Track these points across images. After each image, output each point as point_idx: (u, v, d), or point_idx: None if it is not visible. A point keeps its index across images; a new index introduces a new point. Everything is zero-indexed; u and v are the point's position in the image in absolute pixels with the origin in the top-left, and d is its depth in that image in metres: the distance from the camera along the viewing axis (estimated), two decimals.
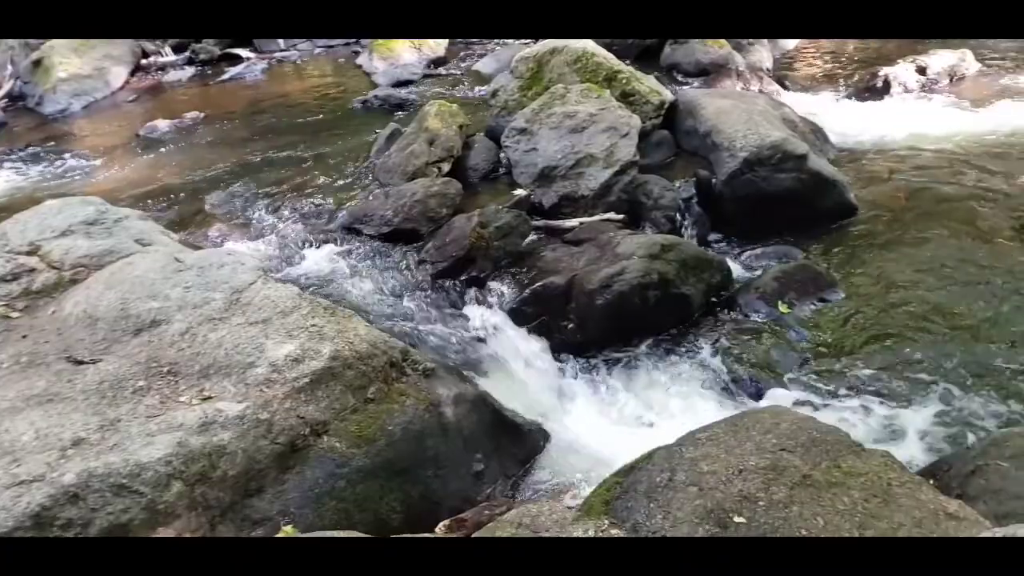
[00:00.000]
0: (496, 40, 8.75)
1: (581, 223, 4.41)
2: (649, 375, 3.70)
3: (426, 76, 7.84)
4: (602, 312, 3.77)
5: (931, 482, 2.51)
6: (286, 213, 4.73)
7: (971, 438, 3.04)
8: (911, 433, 3.16)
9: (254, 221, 4.70)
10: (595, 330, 3.81)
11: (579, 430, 3.42)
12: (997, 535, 1.55)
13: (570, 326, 3.83)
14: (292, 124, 6.70)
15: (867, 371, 3.51)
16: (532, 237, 4.35)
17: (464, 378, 3.16)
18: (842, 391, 3.42)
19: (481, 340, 3.72)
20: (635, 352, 3.81)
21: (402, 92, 7.15)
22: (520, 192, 4.68)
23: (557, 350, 3.82)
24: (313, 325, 2.79)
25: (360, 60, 8.54)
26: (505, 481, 3.03)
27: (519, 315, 3.87)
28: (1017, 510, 2.26)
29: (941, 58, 6.49)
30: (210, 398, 2.53)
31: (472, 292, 3.96)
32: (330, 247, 4.30)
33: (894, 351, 3.61)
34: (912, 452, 3.05)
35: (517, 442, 3.14)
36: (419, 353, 2.99)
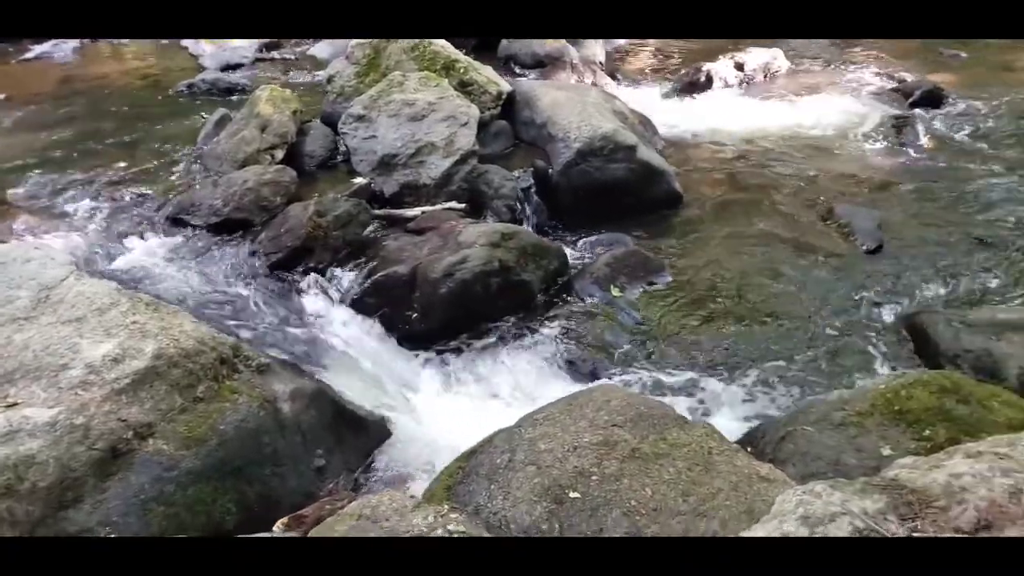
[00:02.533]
0: None
1: (423, 212, 4.39)
2: (493, 361, 3.75)
3: (258, 60, 7.49)
4: (446, 301, 3.78)
5: (748, 449, 2.72)
6: (105, 204, 4.38)
7: (783, 406, 3.31)
8: (732, 405, 3.41)
9: (68, 213, 4.32)
10: (439, 319, 3.82)
11: (425, 419, 3.42)
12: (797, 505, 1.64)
13: (414, 315, 3.81)
14: (109, 108, 6.20)
15: (692, 348, 3.75)
16: (373, 226, 4.28)
17: (302, 373, 3.07)
18: (669, 367, 3.63)
19: (321, 333, 3.63)
20: (479, 339, 3.85)
21: (232, 76, 6.80)
22: (360, 180, 4.59)
23: (401, 340, 3.79)
24: (134, 322, 2.61)
25: (186, 41, 8.03)
26: (348, 475, 2.98)
27: (361, 306, 3.81)
28: (820, 469, 2.50)
29: (756, 56, 6.99)
30: (15, 405, 2.31)
31: (310, 283, 3.85)
32: (154, 239, 4.03)
33: (716, 329, 3.88)
34: (732, 422, 3.28)
35: (360, 435, 3.09)
36: (252, 349, 2.87)
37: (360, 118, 4.82)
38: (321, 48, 7.65)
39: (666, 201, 4.98)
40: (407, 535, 1.88)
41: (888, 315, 3.90)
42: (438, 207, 4.42)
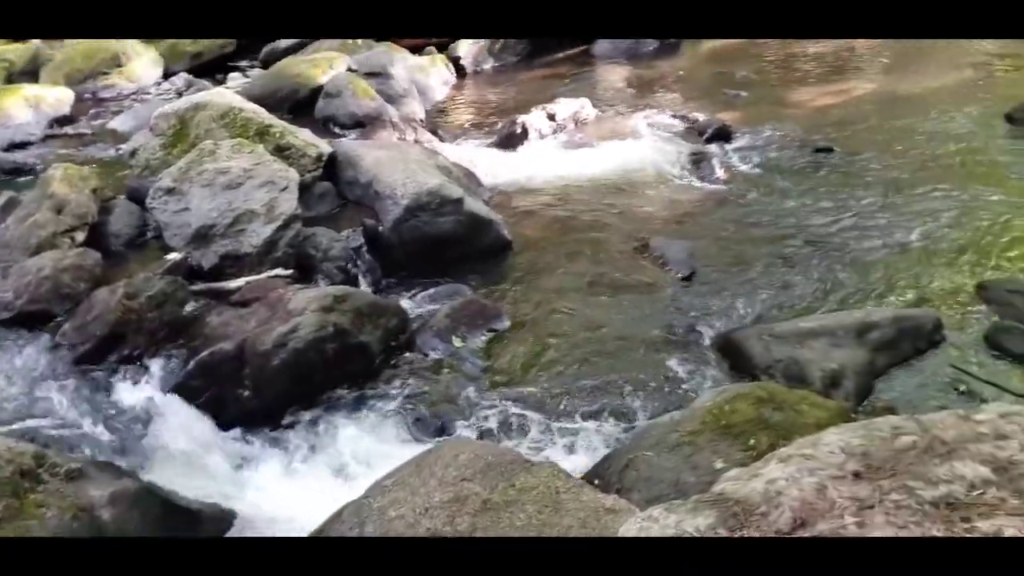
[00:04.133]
0: (132, 96, 8.12)
1: (247, 282, 4.23)
2: (336, 430, 3.63)
3: (48, 137, 6.98)
4: (279, 373, 3.64)
5: (595, 481, 2.80)
6: None
7: (624, 434, 3.44)
8: (578, 440, 3.50)
9: None
10: (274, 393, 3.66)
11: (267, 502, 3.23)
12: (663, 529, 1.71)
13: (246, 393, 3.63)
14: None
15: (535, 389, 3.82)
16: (193, 303, 4.07)
17: (123, 473, 2.83)
18: (516, 412, 3.67)
19: (142, 425, 3.37)
20: (319, 409, 3.72)
21: (17, 156, 6.29)
22: (174, 256, 4.37)
23: (235, 421, 3.59)
24: None
25: None
26: None
27: (187, 390, 3.58)
28: (662, 492, 2.60)
29: (566, 106, 7.38)
30: None
31: (125, 373, 3.58)
32: None
33: (556, 367, 3.99)
34: (580, 457, 3.37)
35: (195, 530, 2.88)
36: (59, 455, 2.61)
37: (170, 191, 4.61)
38: (123, 120, 7.25)
39: (497, 249, 5.10)
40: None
41: (707, 336, 4.18)
42: (263, 276, 4.28)
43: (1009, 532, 1.56)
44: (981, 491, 1.69)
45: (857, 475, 1.74)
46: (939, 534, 1.58)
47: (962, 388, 3.68)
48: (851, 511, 1.62)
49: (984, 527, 1.60)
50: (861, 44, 10.17)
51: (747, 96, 8.10)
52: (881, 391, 3.72)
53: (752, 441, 2.71)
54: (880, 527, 1.59)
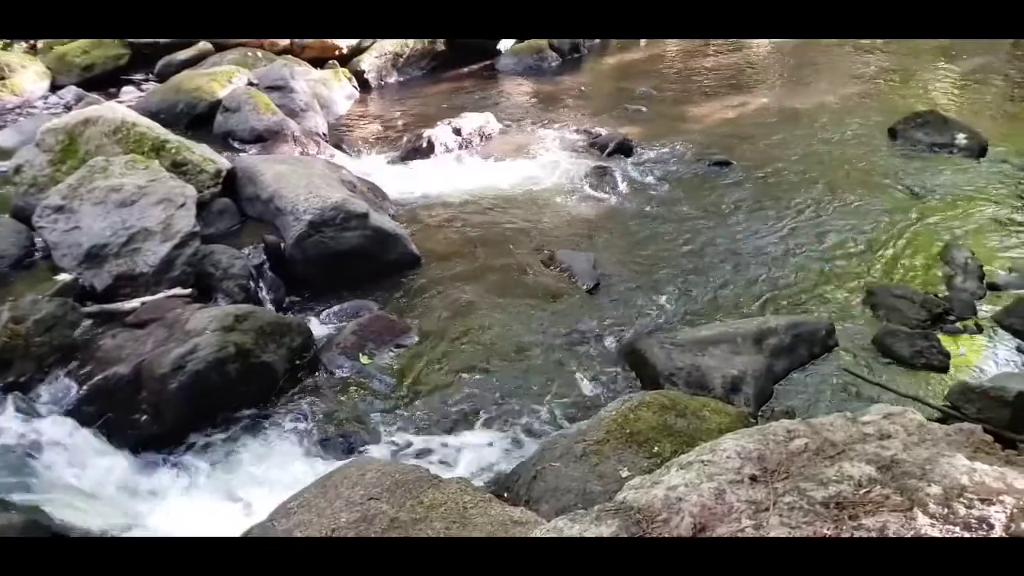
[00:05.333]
0: (16, 110, 7.67)
1: (143, 303, 4.05)
2: (239, 453, 3.52)
3: None
4: (178, 396, 3.50)
5: (505, 494, 2.82)
6: None
7: (533, 446, 3.47)
8: (487, 453, 3.51)
9: None
10: (173, 416, 3.52)
11: (170, 528, 3.10)
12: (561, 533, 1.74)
13: (143, 417, 3.48)
14: None
15: (444, 404, 3.82)
16: (85, 326, 3.87)
17: (8, 505, 2.65)
18: (425, 428, 3.66)
19: (30, 455, 3.17)
20: (222, 432, 3.61)
21: None
22: (65, 277, 4.15)
23: (132, 446, 3.43)
24: None
25: None
26: None
27: (79, 416, 3.42)
28: (570, 502, 2.64)
29: (471, 120, 7.42)
30: None
31: (12, 401, 3.36)
32: None
33: (464, 381, 3.99)
34: (490, 471, 3.38)
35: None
36: None
37: (59, 209, 4.38)
38: (5, 136, 6.81)
39: (405, 263, 5.07)
40: None
41: (612, 345, 4.28)
42: (160, 296, 4.11)
43: (893, 528, 1.66)
44: (867, 489, 1.79)
45: (753, 479, 1.81)
46: (829, 533, 1.66)
47: (853, 390, 3.90)
48: (748, 514, 1.69)
49: (870, 524, 1.69)
50: (757, 59, 10.68)
51: (647, 111, 8.36)
52: (780, 396, 3.90)
53: (656, 448, 2.78)
54: (775, 528, 1.67)
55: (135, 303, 4.06)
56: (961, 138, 6.94)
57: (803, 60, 10.72)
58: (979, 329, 4.39)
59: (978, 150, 6.83)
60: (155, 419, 3.48)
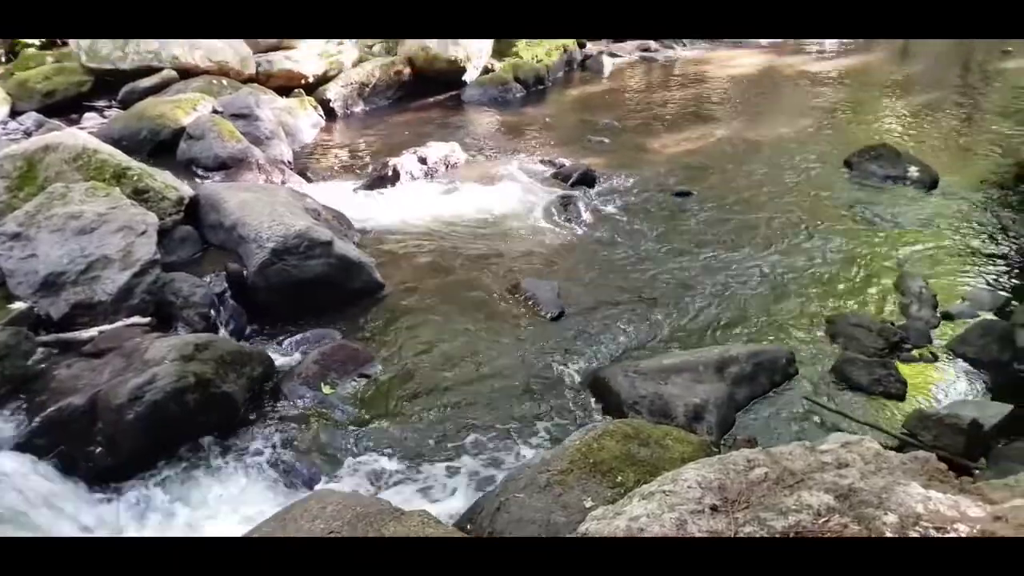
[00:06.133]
0: None
1: (101, 332, 3.99)
2: (198, 485, 3.45)
3: None
4: (136, 427, 3.42)
5: (468, 527, 2.79)
6: None
7: (496, 477, 3.45)
8: (450, 484, 3.48)
9: None
10: (130, 448, 3.44)
11: None
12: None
13: (99, 450, 3.40)
14: None
15: (408, 434, 3.79)
16: (40, 355, 3.79)
17: None
18: (388, 458, 3.62)
19: None
20: (180, 464, 3.53)
21: None
22: (20, 305, 4.08)
23: (88, 480, 3.35)
24: None
25: None
26: None
27: (31, 449, 3.33)
28: (534, 534, 2.62)
29: (437, 149, 7.46)
30: None
31: None
32: None
33: (428, 411, 3.97)
34: (453, 502, 3.35)
35: None
36: None
37: (15, 236, 4.31)
38: None
39: (369, 291, 5.05)
40: None
41: (576, 374, 4.29)
42: (118, 325, 4.05)
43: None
44: (826, 519, 1.82)
45: (714, 509, 1.83)
46: None
47: (814, 418, 3.95)
48: None
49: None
50: (717, 91, 10.92)
51: (610, 142, 8.48)
52: (742, 424, 3.94)
53: (620, 478, 2.78)
54: None
55: (92, 332, 3.99)
56: (913, 171, 7.15)
57: (761, 92, 11.00)
58: (934, 357, 4.49)
59: (930, 182, 7.04)
60: (110, 451, 3.40)
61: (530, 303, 4.98)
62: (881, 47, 14.35)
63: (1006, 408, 3.76)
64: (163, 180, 5.16)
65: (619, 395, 3.92)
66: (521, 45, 11.41)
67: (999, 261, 5.68)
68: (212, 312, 4.45)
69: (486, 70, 10.77)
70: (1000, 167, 7.87)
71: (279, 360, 4.29)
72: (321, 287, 4.83)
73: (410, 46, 10.15)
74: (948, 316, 4.91)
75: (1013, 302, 4.97)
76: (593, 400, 4.07)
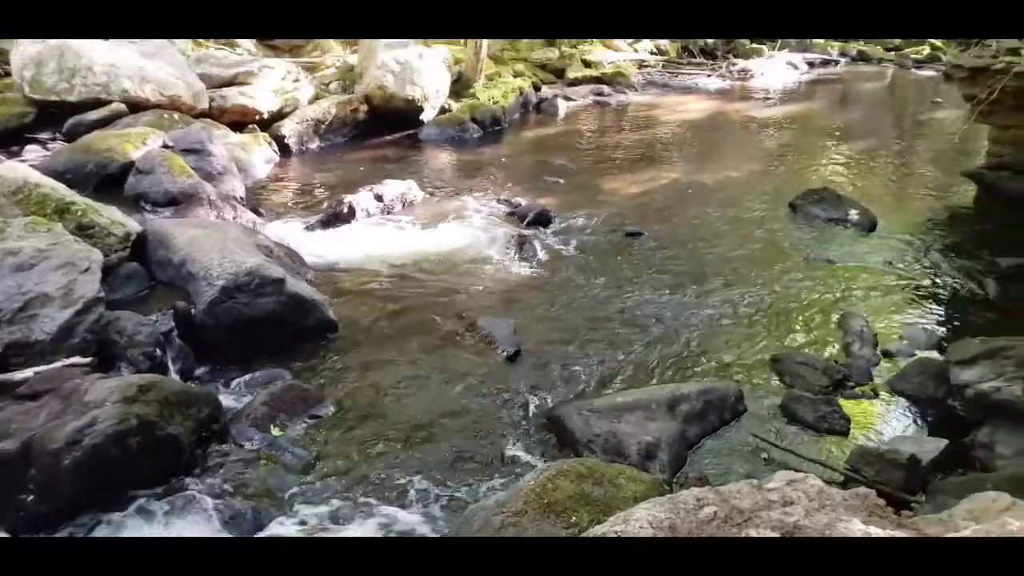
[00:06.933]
0: None
1: (37, 373, 3.83)
2: (141, 531, 3.32)
3: None
4: (73, 473, 3.29)
5: None
6: None
7: (451, 520, 3.41)
8: (404, 529, 3.41)
9: None
10: (66, 496, 3.30)
11: None
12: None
13: (31, 497, 3.25)
14: None
15: (358, 476, 3.72)
16: None
17: None
18: (337, 501, 3.54)
19: None
20: (121, 511, 3.39)
21: None
22: None
23: (15, 529, 3.19)
24: None
25: None
26: None
27: None
28: None
29: (393, 187, 7.48)
30: None
31: None
32: None
33: (380, 452, 3.91)
34: None
35: None
36: None
37: None
38: None
39: (321, 330, 4.98)
40: None
41: (532, 412, 4.29)
42: (57, 365, 3.90)
43: None
44: None
45: None
46: None
47: (762, 455, 4.01)
48: None
49: None
50: (667, 135, 11.19)
51: (565, 183, 8.62)
52: (693, 462, 3.97)
53: (574, 518, 2.78)
54: None
55: (28, 373, 3.84)
56: (853, 213, 7.41)
57: (709, 136, 11.32)
58: (875, 394, 4.61)
59: (869, 225, 7.30)
60: (45, 499, 3.26)
61: (486, 341, 4.98)
62: (821, 95, 14.94)
63: (942, 443, 3.88)
64: (109, 215, 5.05)
65: (574, 433, 3.92)
66: (478, 87, 11.58)
67: (933, 300, 5.90)
68: (158, 351, 4.34)
69: (443, 110, 10.88)
70: (933, 210, 8.23)
71: (227, 401, 4.20)
72: (272, 326, 4.75)
73: (368, 84, 10.21)
74: (888, 354, 5.06)
75: (946, 341, 5.15)
76: (548, 439, 4.06)
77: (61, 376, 3.81)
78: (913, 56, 19.02)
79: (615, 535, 1.76)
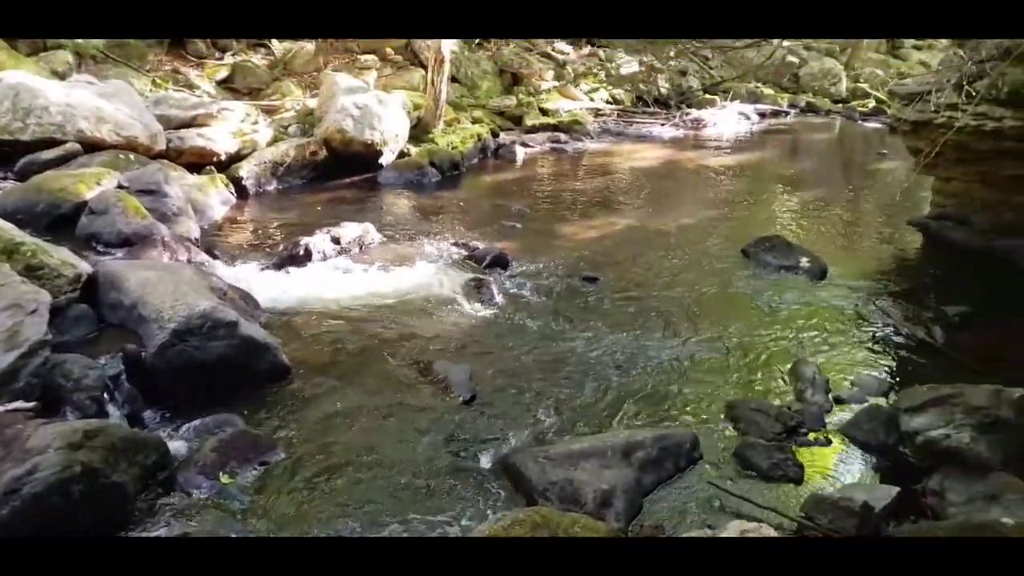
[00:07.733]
0: None
1: None
2: None
3: None
4: (10, 524, 3.16)
5: None
6: None
7: None
8: None
9: None
10: None
11: None
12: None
13: None
14: None
15: (311, 526, 3.64)
16: None
17: None
18: None
19: None
20: None
21: None
22: None
23: None
24: None
25: None
26: None
27: None
28: None
29: (351, 230, 7.45)
30: None
31: None
32: None
33: (331, 499, 3.84)
34: None
35: None
36: None
37: None
38: None
39: (274, 375, 4.91)
40: None
41: (488, 459, 4.26)
42: None
43: None
44: None
45: None
46: None
47: (716, 503, 4.03)
48: None
49: None
50: (623, 182, 11.41)
51: (522, 227, 8.69)
52: (649, 510, 3.98)
53: None
54: None
55: None
56: (804, 261, 7.61)
57: (663, 184, 11.57)
58: (828, 441, 4.69)
59: (819, 272, 7.50)
60: None
61: (442, 386, 4.96)
62: (772, 144, 15.42)
63: (894, 490, 3.94)
64: (59, 256, 4.95)
65: (530, 481, 3.91)
66: (437, 132, 11.70)
67: (883, 347, 6.05)
68: (105, 396, 4.23)
69: (402, 154, 10.94)
70: (881, 258, 8.49)
71: (176, 447, 4.10)
72: (224, 370, 4.67)
73: (327, 127, 10.23)
74: (840, 400, 5.16)
75: (896, 387, 5.28)
76: (505, 487, 4.04)
77: (2, 421, 3.68)
78: (860, 108, 19.76)
79: None
